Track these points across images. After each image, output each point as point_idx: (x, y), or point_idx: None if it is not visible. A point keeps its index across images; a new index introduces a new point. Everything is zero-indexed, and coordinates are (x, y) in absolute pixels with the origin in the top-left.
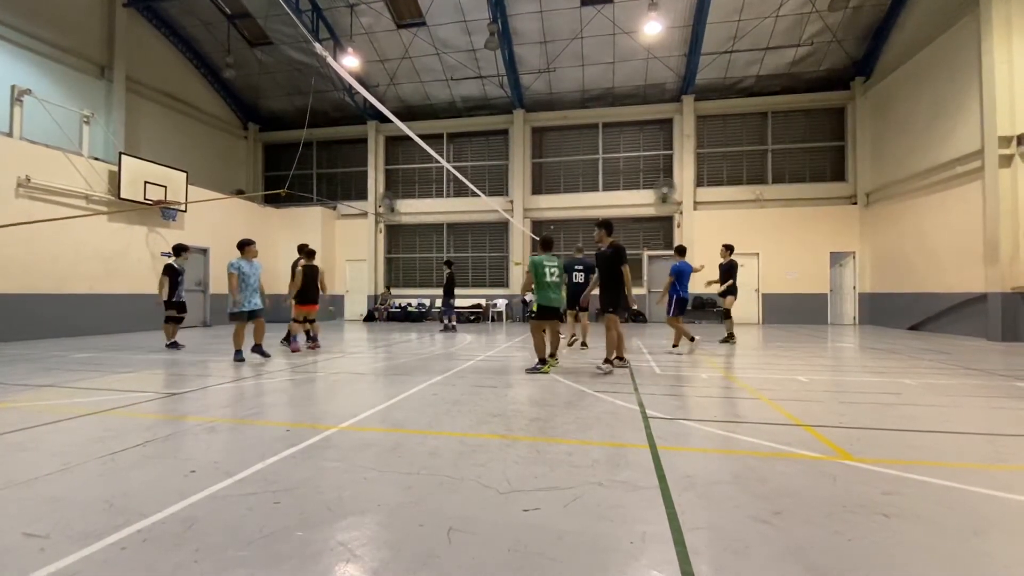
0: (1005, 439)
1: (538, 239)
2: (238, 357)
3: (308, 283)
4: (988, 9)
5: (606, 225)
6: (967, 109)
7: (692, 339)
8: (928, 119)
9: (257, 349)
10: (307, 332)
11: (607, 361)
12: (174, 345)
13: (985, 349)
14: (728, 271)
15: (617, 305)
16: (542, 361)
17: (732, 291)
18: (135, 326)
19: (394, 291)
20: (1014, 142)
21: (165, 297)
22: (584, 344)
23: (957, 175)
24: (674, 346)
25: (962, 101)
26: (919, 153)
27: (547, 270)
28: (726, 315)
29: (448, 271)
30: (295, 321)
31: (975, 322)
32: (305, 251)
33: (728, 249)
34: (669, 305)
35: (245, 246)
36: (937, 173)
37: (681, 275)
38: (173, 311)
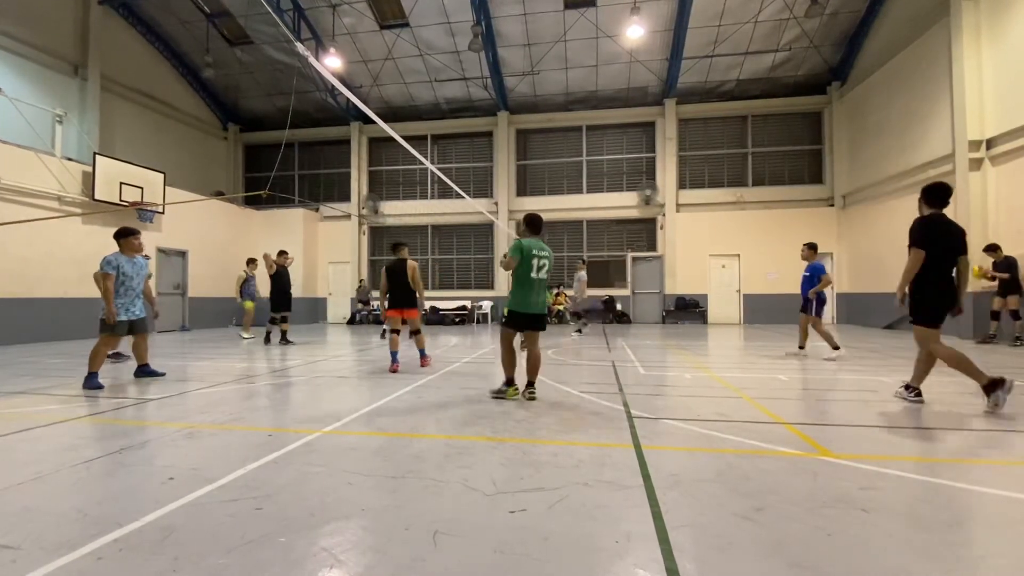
0: (978, 434)
1: (521, 218)
2: (91, 383)
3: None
4: (958, 17)
5: None
6: (938, 114)
7: (837, 347)
8: (901, 124)
9: (144, 370)
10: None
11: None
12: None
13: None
14: (1008, 268)
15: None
16: (508, 382)
17: (1015, 289)
18: None
19: (379, 294)
20: (983, 146)
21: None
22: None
23: (929, 178)
24: (800, 347)
25: (934, 106)
26: (893, 157)
27: (535, 261)
28: (1015, 316)
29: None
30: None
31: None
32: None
33: (996, 249)
34: (811, 305)
35: (124, 236)
36: (910, 176)
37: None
38: None
